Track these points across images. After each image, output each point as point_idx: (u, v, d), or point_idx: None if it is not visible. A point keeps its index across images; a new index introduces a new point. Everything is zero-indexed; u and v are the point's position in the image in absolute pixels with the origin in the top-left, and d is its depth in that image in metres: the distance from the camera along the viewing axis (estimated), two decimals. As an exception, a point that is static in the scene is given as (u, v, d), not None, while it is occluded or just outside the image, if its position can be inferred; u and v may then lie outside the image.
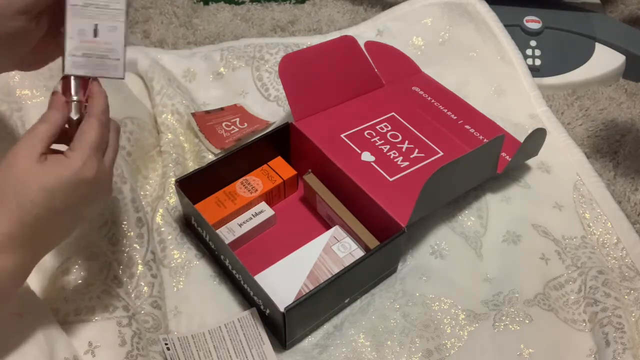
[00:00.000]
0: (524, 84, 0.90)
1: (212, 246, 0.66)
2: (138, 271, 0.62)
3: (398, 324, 0.63)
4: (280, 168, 0.75)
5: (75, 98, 0.46)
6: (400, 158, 0.72)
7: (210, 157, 0.76)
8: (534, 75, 0.91)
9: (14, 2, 0.43)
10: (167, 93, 0.80)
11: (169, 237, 0.69)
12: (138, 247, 0.63)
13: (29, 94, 0.63)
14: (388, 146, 0.73)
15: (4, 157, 0.42)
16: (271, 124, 0.83)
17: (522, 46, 0.94)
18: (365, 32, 0.97)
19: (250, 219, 0.70)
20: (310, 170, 0.72)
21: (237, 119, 0.82)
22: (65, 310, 0.53)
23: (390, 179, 0.69)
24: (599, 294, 0.65)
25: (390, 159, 0.71)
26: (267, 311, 0.60)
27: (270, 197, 0.73)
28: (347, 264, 0.63)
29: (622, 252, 0.70)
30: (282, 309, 0.56)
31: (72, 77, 0.46)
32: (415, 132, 0.76)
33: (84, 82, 0.47)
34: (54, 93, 0.46)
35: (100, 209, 0.60)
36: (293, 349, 0.62)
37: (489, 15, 0.95)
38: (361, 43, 0.81)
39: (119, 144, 0.48)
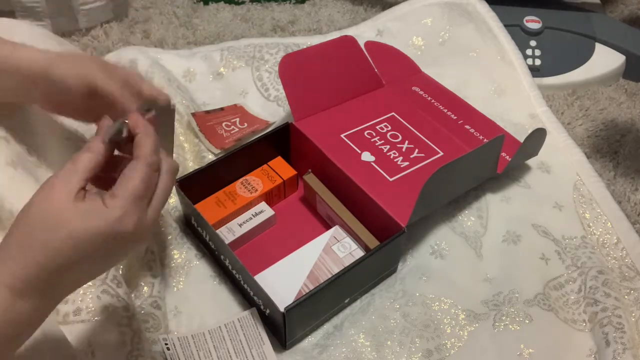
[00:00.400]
0: (524, 84, 0.90)
1: (212, 246, 0.66)
2: (138, 271, 0.62)
3: (398, 324, 0.63)
4: (280, 168, 0.75)
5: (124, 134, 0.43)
6: (400, 158, 0.72)
7: (210, 157, 0.76)
8: (534, 75, 0.91)
9: (97, 78, 0.49)
10: (167, 93, 0.80)
11: (169, 237, 0.69)
12: (138, 247, 0.63)
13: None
14: (388, 146, 0.73)
15: (41, 189, 0.39)
16: (271, 124, 0.83)
17: (522, 46, 0.94)
18: (365, 32, 0.97)
19: (250, 219, 0.70)
20: (310, 170, 0.72)
21: (237, 119, 0.82)
22: (65, 311, 0.53)
23: (390, 179, 0.69)
24: (599, 294, 0.65)
25: (390, 159, 0.71)
26: (267, 311, 0.60)
27: (270, 197, 0.73)
28: (347, 264, 0.63)
29: (622, 252, 0.70)
30: (282, 309, 0.56)
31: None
32: (415, 132, 0.76)
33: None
34: (104, 117, 0.44)
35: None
36: (293, 349, 0.62)
37: (489, 15, 0.95)
38: (361, 43, 0.81)
39: (172, 187, 0.44)
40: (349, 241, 0.67)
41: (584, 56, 0.95)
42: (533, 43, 0.96)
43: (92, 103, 0.51)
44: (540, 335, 0.62)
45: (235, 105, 0.86)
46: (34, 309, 0.39)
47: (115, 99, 0.49)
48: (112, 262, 0.43)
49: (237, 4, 1.08)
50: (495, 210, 0.73)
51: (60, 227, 0.38)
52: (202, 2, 1.08)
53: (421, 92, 0.84)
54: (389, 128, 0.76)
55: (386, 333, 0.62)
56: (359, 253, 0.66)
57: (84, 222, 0.38)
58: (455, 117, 0.80)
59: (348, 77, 0.79)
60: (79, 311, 0.54)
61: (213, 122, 0.80)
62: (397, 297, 0.65)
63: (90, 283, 0.55)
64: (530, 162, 0.79)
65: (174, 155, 0.75)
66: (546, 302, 0.65)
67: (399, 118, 0.78)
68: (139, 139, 0.42)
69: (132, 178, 0.40)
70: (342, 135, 0.74)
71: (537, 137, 0.74)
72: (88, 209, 0.38)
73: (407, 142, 0.74)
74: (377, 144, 0.73)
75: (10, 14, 0.92)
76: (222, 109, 0.84)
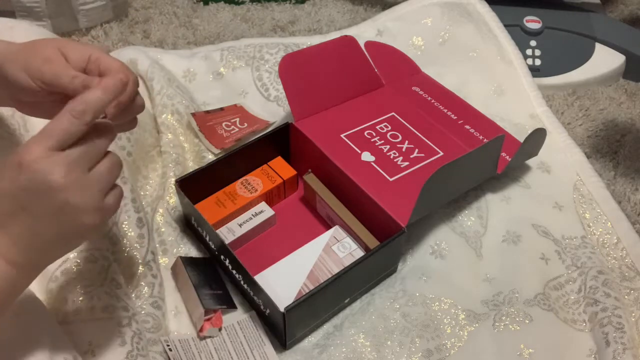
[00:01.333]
0: (524, 84, 0.90)
1: (212, 246, 0.66)
2: (138, 271, 0.62)
3: (398, 324, 0.63)
4: (280, 168, 0.75)
5: None
6: (400, 158, 0.72)
7: (210, 157, 0.76)
8: (534, 75, 0.91)
9: (43, 72, 0.44)
10: (167, 93, 0.80)
11: (169, 238, 0.69)
12: (138, 247, 0.63)
13: (29, 94, 0.63)
14: (388, 146, 0.73)
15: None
16: (271, 124, 0.83)
17: (522, 46, 0.94)
18: (365, 32, 0.97)
19: (250, 219, 0.70)
20: (310, 170, 0.72)
21: (237, 119, 0.82)
22: (65, 311, 0.53)
23: (390, 179, 0.69)
24: (599, 294, 0.65)
25: (390, 159, 0.71)
26: (267, 311, 0.60)
27: (270, 197, 0.73)
28: (347, 264, 0.63)
29: (622, 252, 0.70)
30: (282, 309, 0.56)
31: None
32: (415, 132, 0.76)
33: None
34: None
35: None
36: (293, 349, 0.62)
37: (489, 15, 0.95)
38: (361, 43, 0.81)
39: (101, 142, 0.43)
40: (349, 241, 0.67)
41: (584, 56, 0.95)
42: (533, 43, 0.96)
43: (57, 98, 0.47)
44: (540, 335, 0.63)
45: (235, 105, 0.86)
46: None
47: (69, 92, 0.44)
48: (39, 208, 0.40)
49: (237, 4, 1.08)
50: (495, 210, 0.73)
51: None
52: (202, 2, 1.08)
53: (421, 92, 0.84)
54: (389, 128, 0.76)
55: (386, 333, 0.62)
56: (359, 253, 0.66)
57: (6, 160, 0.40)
58: (455, 117, 0.80)
59: (348, 77, 0.79)
60: (79, 311, 0.54)
61: (213, 122, 0.80)
62: (397, 297, 0.65)
63: (90, 283, 0.55)
64: (530, 162, 0.79)
65: (173, 155, 0.75)
66: (546, 302, 0.65)
67: (399, 118, 0.78)
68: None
69: (51, 121, 0.41)
70: (342, 135, 0.74)
71: (537, 137, 0.74)
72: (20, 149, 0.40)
73: (407, 142, 0.74)
74: (377, 144, 0.73)
75: (10, 14, 0.92)
76: (222, 109, 0.84)
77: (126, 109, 0.46)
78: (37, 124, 0.62)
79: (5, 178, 0.40)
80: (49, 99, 0.47)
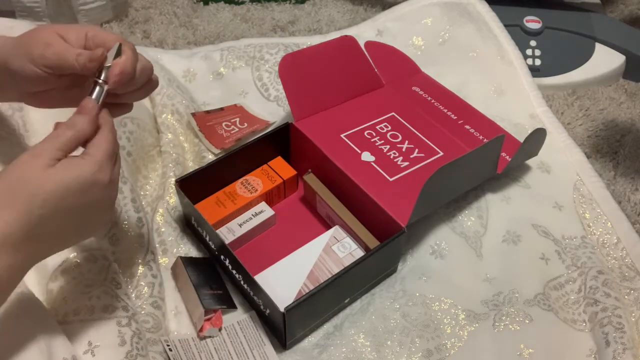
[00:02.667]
0: (524, 84, 0.90)
1: (212, 246, 0.66)
2: (138, 271, 0.62)
3: (398, 324, 0.63)
4: (280, 168, 0.75)
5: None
6: (400, 158, 0.72)
7: (210, 157, 0.76)
8: (534, 75, 0.91)
9: (47, 57, 0.45)
10: (167, 93, 0.80)
11: (169, 238, 0.69)
12: (138, 247, 0.63)
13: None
14: (388, 146, 0.73)
15: (25, 153, 0.43)
16: (271, 124, 0.83)
17: (522, 46, 0.94)
18: (365, 32, 0.97)
19: (250, 219, 0.70)
20: (310, 170, 0.72)
21: (237, 119, 0.82)
22: (65, 310, 0.53)
23: (390, 179, 0.69)
24: (599, 294, 0.65)
25: (390, 159, 0.71)
26: (267, 311, 0.60)
27: (270, 197, 0.73)
28: (347, 264, 0.63)
29: (622, 252, 0.70)
30: (282, 309, 0.56)
31: (97, 85, 0.46)
32: (415, 132, 0.76)
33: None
34: (86, 99, 0.46)
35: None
36: (293, 349, 0.62)
37: (489, 15, 0.95)
38: (361, 43, 0.81)
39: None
40: (349, 241, 0.67)
41: (584, 56, 0.95)
42: (533, 43, 0.96)
43: (66, 82, 0.48)
44: (540, 335, 0.62)
45: (235, 105, 0.86)
46: (11, 265, 0.41)
47: (77, 70, 0.46)
48: (90, 216, 0.45)
49: (237, 4, 1.08)
50: (495, 210, 0.73)
51: (47, 180, 0.41)
52: (202, 2, 1.08)
53: (421, 92, 0.84)
54: (389, 128, 0.76)
55: (386, 333, 0.62)
56: (359, 253, 0.66)
57: (69, 173, 0.42)
58: (455, 117, 0.80)
59: (348, 77, 0.79)
60: (78, 311, 0.54)
61: (213, 122, 0.80)
62: (397, 297, 0.65)
63: (90, 283, 0.55)
64: (530, 162, 0.79)
65: (173, 155, 0.75)
66: (546, 302, 0.65)
67: (399, 118, 0.78)
68: (105, 112, 0.47)
69: (104, 140, 0.45)
70: (342, 135, 0.74)
71: (537, 137, 0.74)
72: (69, 164, 0.43)
73: (407, 142, 0.74)
74: (377, 144, 0.73)
75: (10, 14, 0.92)
76: (222, 109, 0.84)
77: (131, 80, 0.47)
78: (37, 124, 0.62)
79: (76, 194, 0.43)
80: (58, 84, 0.48)
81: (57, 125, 0.45)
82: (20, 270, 0.43)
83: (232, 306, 0.64)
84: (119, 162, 0.48)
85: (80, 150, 0.45)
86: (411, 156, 0.72)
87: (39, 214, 0.41)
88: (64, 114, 0.64)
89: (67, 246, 0.47)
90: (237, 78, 0.88)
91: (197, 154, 0.77)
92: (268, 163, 0.75)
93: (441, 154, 0.73)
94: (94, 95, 0.46)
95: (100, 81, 0.46)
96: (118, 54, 0.46)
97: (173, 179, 0.72)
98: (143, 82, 0.49)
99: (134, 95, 0.50)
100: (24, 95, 0.50)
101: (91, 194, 0.43)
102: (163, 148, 0.76)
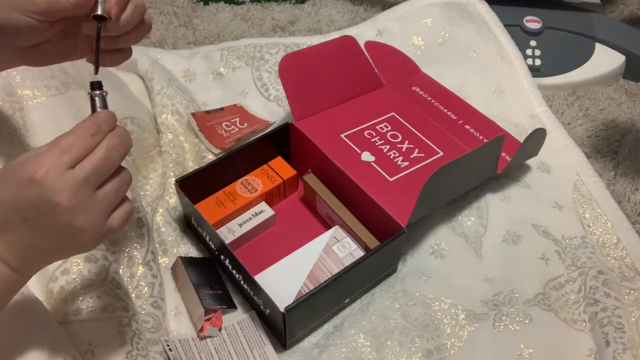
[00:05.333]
0: (524, 84, 0.90)
1: (212, 246, 0.66)
2: (138, 271, 0.62)
3: (398, 324, 0.63)
4: (280, 168, 0.75)
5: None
6: (400, 158, 0.72)
7: (210, 157, 0.76)
8: (534, 75, 0.91)
9: (35, 2, 0.43)
10: (167, 93, 0.80)
11: (169, 238, 0.69)
12: (138, 247, 0.63)
13: (30, 94, 0.63)
14: (388, 146, 0.73)
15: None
16: (271, 124, 0.83)
17: (522, 46, 0.94)
18: (365, 32, 0.97)
19: (250, 219, 0.70)
20: (310, 170, 0.72)
21: (237, 119, 0.82)
22: (65, 310, 0.53)
23: (390, 179, 0.69)
24: (599, 294, 0.65)
25: (390, 159, 0.71)
26: (267, 311, 0.60)
27: (270, 197, 0.73)
28: (347, 264, 0.63)
29: (622, 252, 0.70)
30: (282, 309, 0.56)
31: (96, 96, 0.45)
32: (415, 132, 0.76)
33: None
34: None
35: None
36: (293, 349, 0.62)
37: (489, 15, 0.95)
38: (361, 43, 0.81)
39: (114, 155, 0.42)
40: (349, 241, 0.67)
41: (584, 56, 0.95)
42: (533, 43, 0.96)
43: (59, 30, 0.46)
44: (540, 335, 0.62)
45: (235, 105, 0.86)
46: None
47: (69, 12, 0.44)
48: (42, 222, 0.40)
49: (237, 4, 1.08)
50: (495, 210, 0.73)
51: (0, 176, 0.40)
52: (202, 2, 1.07)
53: (421, 92, 0.84)
54: (389, 128, 0.76)
55: (386, 333, 0.62)
56: (359, 253, 0.66)
57: (10, 167, 0.40)
58: (455, 117, 0.80)
59: (348, 77, 0.79)
60: (79, 311, 0.54)
61: (213, 122, 0.80)
62: (397, 297, 0.65)
63: (90, 283, 0.55)
64: (530, 162, 0.79)
65: (173, 155, 0.75)
66: (546, 302, 0.65)
67: (399, 118, 0.78)
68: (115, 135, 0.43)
69: (64, 135, 0.41)
70: (342, 135, 0.74)
71: (537, 137, 0.74)
72: (24, 158, 0.40)
73: (407, 142, 0.74)
74: (377, 144, 0.73)
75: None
76: (222, 109, 0.84)
77: (131, 12, 0.46)
78: (38, 124, 0.62)
79: (10, 188, 0.40)
80: (51, 33, 0.46)
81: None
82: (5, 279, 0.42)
83: (232, 306, 0.64)
84: (89, 161, 0.41)
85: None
86: (411, 156, 0.72)
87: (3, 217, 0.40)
88: (64, 113, 0.65)
89: (47, 257, 0.44)
90: (237, 78, 0.89)
91: (197, 154, 0.77)
92: (268, 163, 0.75)
93: (441, 154, 0.73)
94: (96, 105, 0.45)
95: (98, 15, 0.44)
96: None
97: (173, 179, 0.72)
98: (136, 22, 0.47)
99: (128, 38, 0.48)
100: (21, 55, 0.48)
101: (29, 193, 0.39)
102: (163, 148, 0.76)
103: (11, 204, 0.40)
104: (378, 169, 0.70)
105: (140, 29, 0.48)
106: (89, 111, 0.45)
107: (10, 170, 0.40)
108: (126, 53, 0.50)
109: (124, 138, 0.43)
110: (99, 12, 0.44)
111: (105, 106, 0.45)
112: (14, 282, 0.43)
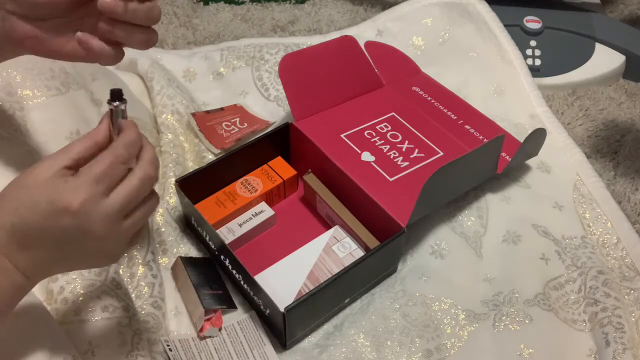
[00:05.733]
0: (524, 84, 0.90)
1: (212, 246, 0.66)
2: (138, 271, 0.62)
3: (398, 324, 0.63)
4: (280, 168, 0.75)
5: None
6: (400, 158, 0.72)
7: (210, 157, 0.76)
8: (534, 75, 0.91)
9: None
10: (167, 93, 0.80)
11: (169, 238, 0.69)
12: (138, 248, 0.63)
13: (30, 94, 0.63)
14: (388, 146, 0.73)
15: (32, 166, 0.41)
16: (271, 124, 0.83)
17: (522, 46, 0.94)
18: (365, 32, 0.97)
19: (250, 219, 0.70)
20: (310, 170, 0.72)
21: (237, 119, 0.82)
22: (65, 310, 0.53)
23: (390, 179, 0.69)
24: (599, 294, 0.65)
25: (390, 159, 0.71)
26: (267, 311, 0.60)
27: (270, 197, 0.73)
28: (347, 264, 0.63)
29: (622, 252, 0.70)
30: (282, 309, 0.56)
31: (112, 109, 0.44)
32: (415, 132, 0.76)
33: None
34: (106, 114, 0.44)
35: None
36: (293, 349, 0.62)
37: (489, 15, 0.95)
38: (361, 43, 0.81)
39: (147, 182, 0.43)
40: (349, 241, 0.67)
41: (584, 56, 0.95)
42: (533, 43, 0.96)
43: (64, 9, 0.45)
44: (540, 335, 0.62)
45: (235, 105, 0.86)
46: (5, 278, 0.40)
47: None
48: (71, 246, 0.41)
49: (237, 4, 1.08)
50: (495, 210, 0.73)
51: (29, 195, 0.40)
52: (202, 2, 1.07)
53: (421, 92, 0.84)
54: (389, 128, 0.76)
55: (386, 333, 0.62)
56: (359, 253, 0.66)
57: (44, 192, 0.39)
58: (455, 117, 0.80)
59: (348, 77, 0.79)
60: (79, 311, 0.54)
61: (213, 122, 0.80)
62: (397, 297, 0.65)
63: (90, 283, 0.55)
64: (530, 162, 0.79)
65: (173, 155, 0.75)
66: (546, 302, 0.65)
67: (399, 118, 0.78)
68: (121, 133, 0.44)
69: (96, 162, 0.41)
70: (342, 135, 0.74)
71: (537, 137, 0.74)
72: (54, 182, 0.40)
73: (407, 142, 0.74)
74: (377, 144, 0.73)
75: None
76: (222, 109, 0.84)
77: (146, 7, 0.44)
78: (38, 124, 0.62)
79: (44, 214, 0.39)
80: (59, 11, 0.45)
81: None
82: (14, 285, 0.42)
83: (232, 306, 0.64)
84: (123, 189, 0.41)
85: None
86: (411, 156, 0.72)
87: (21, 230, 0.40)
88: (64, 113, 0.65)
89: (60, 269, 0.44)
90: (237, 78, 0.89)
91: (197, 154, 0.77)
92: (268, 163, 0.75)
93: (441, 154, 0.73)
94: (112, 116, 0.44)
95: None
96: None
97: (173, 179, 0.72)
98: (144, 18, 0.45)
99: (128, 34, 0.45)
100: (35, 36, 0.46)
101: (62, 219, 0.39)
102: (163, 148, 0.76)
103: (42, 228, 0.40)
104: (378, 169, 0.70)
105: (144, 31, 0.46)
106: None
107: (43, 194, 0.40)
108: (118, 52, 0.47)
109: (157, 165, 0.44)
110: None
111: (125, 117, 0.44)
112: (25, 288, 0.43)
